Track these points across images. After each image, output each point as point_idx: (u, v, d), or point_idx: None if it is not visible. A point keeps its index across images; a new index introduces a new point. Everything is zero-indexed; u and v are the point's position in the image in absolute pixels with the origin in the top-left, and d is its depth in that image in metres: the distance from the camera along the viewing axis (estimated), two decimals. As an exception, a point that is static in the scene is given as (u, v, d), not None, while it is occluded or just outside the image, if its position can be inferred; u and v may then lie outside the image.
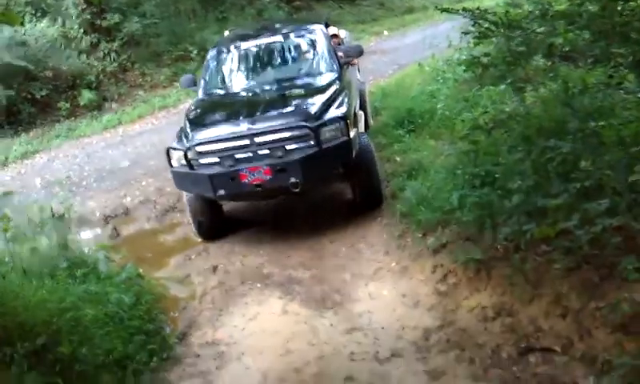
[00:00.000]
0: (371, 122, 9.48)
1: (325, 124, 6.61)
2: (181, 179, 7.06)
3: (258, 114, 6.84)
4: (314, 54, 8.23)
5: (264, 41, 8.45)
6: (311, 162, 6.48)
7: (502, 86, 6.63)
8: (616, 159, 4.20)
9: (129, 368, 4.80)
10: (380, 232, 6.75)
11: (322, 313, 5.44)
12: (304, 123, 6.57)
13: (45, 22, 15.85)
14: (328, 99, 6.99)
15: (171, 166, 7.03)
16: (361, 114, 7.64)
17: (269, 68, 8.26)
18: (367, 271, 6.03)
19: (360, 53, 8.33)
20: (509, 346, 4.32)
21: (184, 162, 6.81)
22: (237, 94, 7.95)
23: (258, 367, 4.81)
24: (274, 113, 6.92)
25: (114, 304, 5.40)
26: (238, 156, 6.62)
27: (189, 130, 7.05)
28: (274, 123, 6.67)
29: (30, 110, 14.70)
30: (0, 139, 13.69)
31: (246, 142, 6.61)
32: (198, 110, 7.71)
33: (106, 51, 16.65)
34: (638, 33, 4.79)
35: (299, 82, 7.83)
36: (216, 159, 6.71)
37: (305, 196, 7.20)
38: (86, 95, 15.31)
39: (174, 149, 6.98)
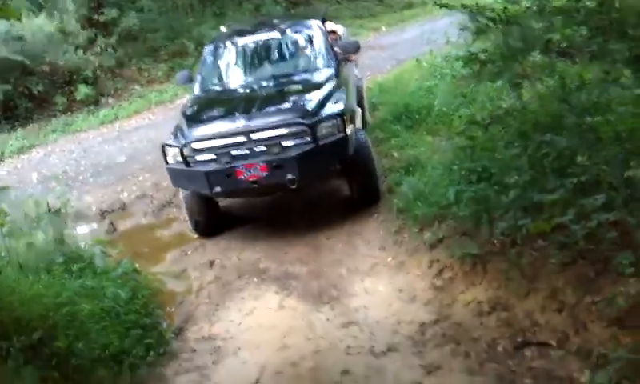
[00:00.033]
0: (369, 117, 9.48)
1: (321, 120, 6.57)
2: (177, 176, 7.02)
3: (255, 110, 6.81)
4: (311, 50, 8.21)
5: (261, 37, 8.42)
6: (308, 158, 6.44)
7: (500, 82, 6.64)
8: (612, 154, 4.20)
9: (125, 362, 4.80)
10: (377, 227, 6.75)
11: (318, 307, 5.44)
12: (300, 120, 6.53)
13: (42, 17, 15.80)
14: (325, 96, 6.96)
15: (167, 162, 6.99)
16: (358, 110, 7.60)
17: (265, 64, 8.23)
18: (364, 266, 6.03)
19: (357, 49, 8.33)
20: (504, 341, 4.32)
21: (180, 158, 6.76)
22: (233, 90, 7.91)
23: (255, 362, 4.81)
24: (270, 109, 6.89)
25: (111, 299, 5.40)
26: (234, 153, 6.58)
27: (185, 126, 7.01)
28: (270, 120, 6.64)
29: (27, 105, 14.72)
30: (-4, 134, 13.71)
31: (243, 138, 6.57)
32: (194, 107, 7.67)
33: (103, 46, 16.66)
34: (634, 29, 4.80)
35: (296, 78, 7.79)
36: (212, 156, 6.67)
37: (301, 192, 7.18)
38: (83, 90, 15.32)
39: (170, 145, 6.93)
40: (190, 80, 8.43)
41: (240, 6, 20.78)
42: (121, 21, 17.14)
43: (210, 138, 6.72)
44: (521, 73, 5.85)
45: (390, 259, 6.03)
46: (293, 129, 6.54)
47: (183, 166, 6.78)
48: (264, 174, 6.48)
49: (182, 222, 7.76)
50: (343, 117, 6.63)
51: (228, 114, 7.00)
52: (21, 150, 12.80)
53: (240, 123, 6.65)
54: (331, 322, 5.17)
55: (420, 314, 4.98)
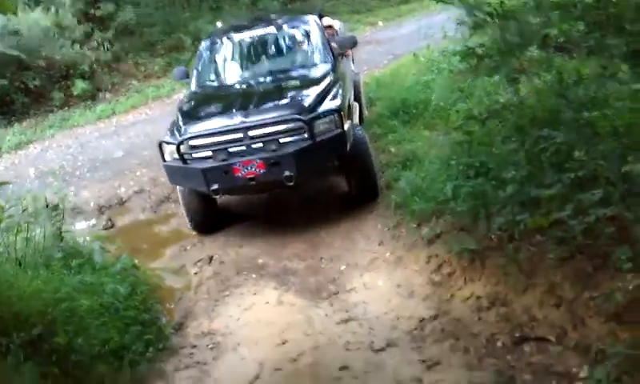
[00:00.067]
0: (366, 112, 9.49)
1: (319, 116, 6.54)
2: (174, 173, 6.97)
3: (251, 106, 6.78)
4: (307, 46, 8.20)
5: (257, 32, 8.41)
6: (305, 155, 6.41)
7: (497, 77, 6.64)
8: (610, 149, 4.21)
9: (125, 358, 4.81)
10: (375, 222, 6.76)
11: (317, 303, 5.45)
12: (297, 116, 6.50)
13: (38, 11, 15.75)
14: (322, 91, 6.93)
15: (164, 160, 6.93)
16: (355, 105, 7.58)
17: (262, 60, 8.22)
18: (362, 262, 6.04)
19: (354, 44, 8.31)
20: (503, 336, 4.33)
21: (177, 155, 6.70)
22: (230, 86, 7.89)
23: (254, 357, 4.82)
24: (267, 105, 6.84)
25: (110, 294, 5.39)
26: (231, 149, 6.54)
27: (181, 123, 6.97)
28: (267, 116, 6.60)
29: (24, 100, 14.69)
30: (-7, 129, 13.68)
31: (240, 135, 6.54)
32: (191, 103, 7.64)
33: (100, 41, 16.63)
34: (632, 24, 4.80)
35: (293, 73, 7.79)
36: (209, 153, 6.62)
37: (300, 188, 7.18)
38: (80, 85, 15.28)
39: (167, 143, 6.87)
40: (187, 76, 8.40)
41: (236, 1, 20.74)
42: (117, 15, 17.09)
43: (207, 135, 6.67)
44: (518, 68, 5.85)
45: (388, 254, 6.04)
46: (290, 125, 6.51)
47: (180, 164, 6.72)
48: (261, 170, 6.44)
49: (180, 218, 7.74)
50: (340, 113, 6.60)
51: (225, 111, 6.98)
52: (18, 146, 12.78)
53: (237, 120, 6.62)
54: (330, 317, 5.18)
55: (419, 310, 5.00)
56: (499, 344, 4.30)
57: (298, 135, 6.48)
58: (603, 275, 4.00)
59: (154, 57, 17.36)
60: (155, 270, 6.77)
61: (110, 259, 6.40)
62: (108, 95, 15.65)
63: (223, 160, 6.52)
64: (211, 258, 6.76)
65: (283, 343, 4.92)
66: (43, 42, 15.45)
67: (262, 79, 7.72)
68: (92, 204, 8.94)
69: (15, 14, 15.23)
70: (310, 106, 6.66)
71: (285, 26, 8.44)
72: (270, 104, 6.90)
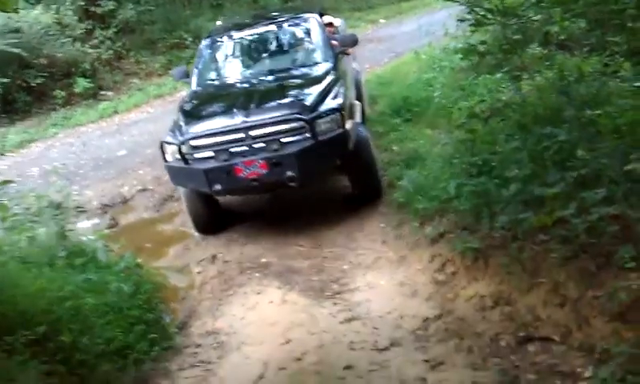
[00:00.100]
0: (368, 110, 9.47)
1: (320, 116, 6.49)
2: (175, 174, 6.96)
3: (253, 106, 6.74)
4: (308, 44, 8.18)
5: (258, 31, 8.40)
6: (307, 154, 6.38)
7: (499, 75, 6.65)
8: (612, 148, 4.23)
9: (130, 357, 4.82)
10: (377, 222, 6.75)
11: (320, 302, 5.45)
12: (299, 115, 6.47)
13: (39, 9, 15.74)
14: (323, 90, 6.88)
15: (165, 160, 6.92)
16: (357, 104, 7.52)
17: (262, 58, 8.22)
18: (365, 261, 6.04)
19: (355, 42, 8.24)
20: (507, 335, 4.33)
21: (178, 156, 6.68)
22: (230, 85, 7.86)
23: (258, 357, 4.82)
24: (268, 105, 6.81)
25: (114, 293, 5.39)
26: (232, 150, 6.51)
27: (182, 123, 6.95)
28: (268, 116, 6.57)
29: (26, 99, 14.70)
30: (-4, 128, 13.70)
31: (241, 135, 6.51)
32: (192, 103, 7.63)
33: (101, 38, 16.64)
34: (633, 21, 4.81)
35: (293, 72, 7.74)
36: (211, 153, 6.59)
37: (302, 188, 7.12)
38: (82, 83, 15.29)
39: (168, 143, 6.85)
40: (187, 75, 8.36)
41: (237, -2, 20.76)
42: (118, 13, 17.11)
43: (208, 135, 6.65)
44: (520, 65, 5.87)
45: (391, 253, 6.04)
46: (291, 125, 6.48)
47: (182, 164, 6.70)
48: (263, 171, 6.43)
49: (184, 217, 7.73)
50: (342, 112, 6.57)
51: (226, 110, 6.95)
52: (21, 145, 12.79)
53: (238, 120, 6.59)
54: (334, 316, 5.18)
55: (422, 309, 5.00)
56: (503, 343, 4.30)
57: (299, 135, 6.44)
58: (607, 274, 4.00)
59: (155, 55, 17.38)
60: (159, 269, 6.76)
61: (113, 258, 6.38)
62: (110, 93, 15.67)
63: (225, 160, 6.50)
64: (215, 257, 6.75)
65: (287, 342, 4.92)
66: (44, 40, 15.42)
67: (262, 78, 7.69)
68: (95, 203, 8.95)
69: (16, 11, 15.25)
70: (311, 105, 6.61)
71: (285, 25, 8.41)
72: (271, 103, 6.87)
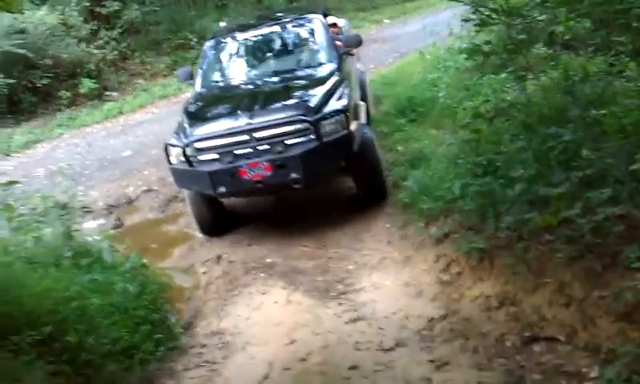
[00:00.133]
0: (372, 110, 9.46)
1: (325, 117, 6.47)
2: (180, 176, 6.96)
3: (257, 108, 6.72)
4: (312, 45, 8.17)
5: (261, 31, 8.39)
6: (312, 156, 6.36)
7: (503, 75, 6.65)
8: (617, 147, 4.22)
9: (135, 357, 4.83)
10: (382, 222, 6.74)
11: (325, 302, 5.45)
12: (303, 117, 6.45)
13: (44, 10, 15.78)
14: (327, 91, 6.85)
15: (170, 163, 6.92)
16: (362, 105, 7.49)
17: (266, 59, 8.21)
18: (370, 261, 6.03)
19: (359, 43, 8.19)
20: (513, 335, 4.32)
21: (183, 158, 6.69)
22: (235, 86, 7.85)
23: (263, 357, 4.82)
24: (272, 106, 6.79)
25: (120, 293, 5.41)
26: (237, 152, 6.50)
27: (187, 125, 6.93)
28: (272, 117, 6.54)
29: (31, 99, 14.77)
30: (1, 128, 13.72)
31: (245, 137, 6.49)
32: (196, 104, 7.61)
33: (106, 39, 16.70)
34: (638, 21, 4.81)
35: (297, 73, 7.72)
36: (215, 155, 6.58)
37: (307, 189, 7.12)
38: (87, 84, 15.34)
39: (173, 145, 6.84)
40: (191, 77, 8.34)
41: (242, -1, 20.78)
42: (123, 13, 17.15)
43: (213, 137, 6.64)
44: (525, 65, 5.87)
45: (396, 254, 6.03)
46: (296, 126, 6.45)
47: (186, 166, 6.70)
48: (268, 173, 6.41)
49: (189, 217, 7.71)
50: (347, 113, 6.54)
51: (230, 112, 6.92)
52: (26, 145, 12.86)
53: (242, 121, 6.56)
54: (339, 316, 5.17)
55: (428, 309, 4.99)
56: (509, 344, 4.29)
57: (304, 136, 6.42)
58: (613, 274, 3.99)
59: (160, 55, 17.42)
60: (164, 269, 6.78)
61: (119, 258, 6.41)
62: (115, 94, 15.72)
63: (229, 163, 6.49)
64: (220, 258, 6.75)
65: (292, 343, 4.92)
66: (49, 41, 15.47)
67: (266, 79, 7.69)
68: (101, 203, 8.98)
69: (21, 12, 15.33)
70: (315, 106, 6.59)
71: (289, 25, 8.40)
72: (275, 105, 6.84)
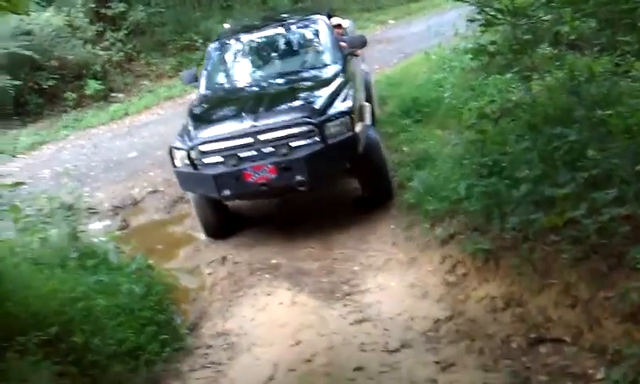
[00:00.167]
0: (377, 111, 9.45)
1: (329, 119, 6.44)
2: (184, 180, 6.95)
3: (261, 110, 6.69)
4: (316, 46, 8.14)
5: (265, 33, 8.38)
6: (317, 159, 6.33)
7: (509, 75, 6.64)
8: (623, 148, 4.21)
9: (141, 358, 4.84)
10: (387, 223, 6.73)
11: (330, 304, 5.44)
12: (308, 119, 6.42)
13: (50, 11, 15.81)
14: (332, 93, 6.82)
15: (174, 166, 6.90)
16: (367, 106, 7.46)
17: (271, 61, 8.20)
18: (375, 262, 6.03)
19: (364, 43, 8.15)
20: (519, 337, 4.31)
21: (187, 161, 6.67)
22: (239, 88, 7.83)
23: (268, 358, 4.82)
24: (277, 109, 6.77)
25: (125, 294, 5.42)
26: (241, 155, 6.47)
27: (191, 128, 6.92)
28: (277, 120, 6.53)
29: (37, 101, 14.81)
30: (7, 130, 13.76)
31: (250, 139, 6.46)
32: (201, 107, 7.60)
33: (112, 40, 16.74)
34: (644, 21, 4.80)
35: (302, 75, 7.69)
36: (220, 158, 6.56)
37: (312, 190, 7.11)
38: (93, 85, 15.38)
39: (177, 148, 6.83)
40: (196, 79, 8.31)
41: (247, 0, 20.78)
42: (129, 15, 17.19)
43: (217, 140, 6.61)
44: (530, 65, 5.85)
45: (401, 255, 6.02)
46: (300, 128, 6.42)
47: (191, 169, 6.68)
48: (273, 176, 6.38)
49: (194, 219, 7.70)
50: (352, 114, 6.52)
51: (234, 115, 6.90)
52: (32, 146, 12.88)
53: (247, 124, 6.54)
54: (344, 318, 5.17)
55: (433, 310, 4.98)
56: (514, 345, 4.28)
57: (309, 138, 6.39)
58: (618, 275, 3.97)
59: (165, 57, 17.45)
60: (170, 271, 6.78)
61: (124, 259, 6.42)
62: (120, 95, 15.76)
63: (234, 165, 6.47)
64: (225, 259, 6.76)
65: (297, 344, 4.92)
66: (55, 42, 15.50)
67: (271, 81, 7.67)
68: (106, 204, 9.00)
69: (27, 14, 15.36)
70: (320, 108, 6.56)
71: (293, 27, 8.38)
72: (280, 107, 6.83)
